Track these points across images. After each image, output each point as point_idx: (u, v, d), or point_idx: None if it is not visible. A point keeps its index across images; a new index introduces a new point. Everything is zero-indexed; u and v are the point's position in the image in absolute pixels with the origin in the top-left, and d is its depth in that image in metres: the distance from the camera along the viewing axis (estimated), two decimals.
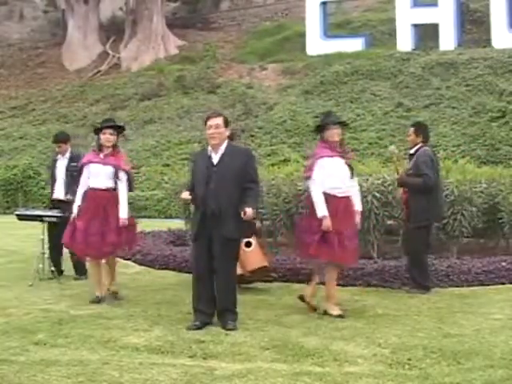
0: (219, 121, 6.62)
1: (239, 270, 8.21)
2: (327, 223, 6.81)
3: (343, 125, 7.35)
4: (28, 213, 9.85)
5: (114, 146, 7.93)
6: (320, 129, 7.23)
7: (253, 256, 8.34)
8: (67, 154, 9.65)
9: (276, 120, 24.03)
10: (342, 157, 7.11)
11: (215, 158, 6.60)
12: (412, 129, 8.37)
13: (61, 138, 9.76)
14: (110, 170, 7.77)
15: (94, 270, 7.92)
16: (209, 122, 6.63)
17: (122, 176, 7.82)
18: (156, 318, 6.88)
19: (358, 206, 7.16)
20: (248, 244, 8.33)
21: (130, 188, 7.95)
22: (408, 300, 7.75)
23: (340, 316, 6.87)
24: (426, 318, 6.80)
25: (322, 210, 6.86)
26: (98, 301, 7.70)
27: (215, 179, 6.49)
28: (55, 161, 9.77)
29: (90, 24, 33.17)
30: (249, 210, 6.36)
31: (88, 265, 8.09)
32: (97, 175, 7.80)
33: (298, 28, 29.71)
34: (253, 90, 26.66)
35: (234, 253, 6.64)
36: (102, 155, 7.86)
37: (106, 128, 7.90)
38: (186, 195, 6.73)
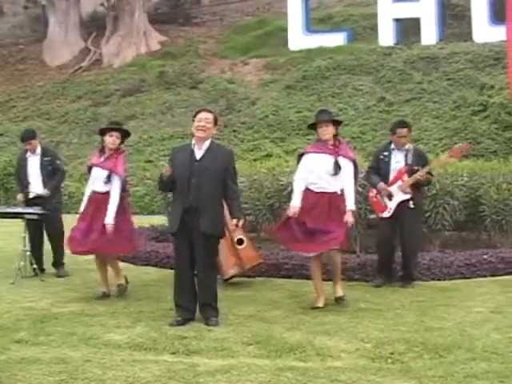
0: (210, 116, 6.67)
1: (235, 270, 8.28)
2: (292, 210, 7.17)
3: (335, 122, 7.37)
4: (9, 210, 9.78)
5: (117, 149, 7.88)
6: (314, 127, 7.42)
7: (248, 253, 8.41)
8: (38, 150, 9.59)
9: (258, 115, 23.99)
10: (333, 154, 7.16)
11: (198, 154, 6.61)
12: (405, 130, 8.41)
13: (30, 135, 9.67)
14: (105, 173, 7.75)
15: (100, 267, 7.93)
16: (199, 115, 6.65)
17: (115, 180, 7.75)
18: (138, 314, 6.86)
19: (349, 204, 7.16)
20: (240, 241, 8.36)
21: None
22: (390, 294, 7.78)
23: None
24: (408, 312, 6.84)
25: (295, 200, 7.27)
26: (103, 296, 7.78)
27: (197, 174, 6.50)
28: (25, 159, 9.66)
29: (70, 20, 32.91)
30: (240, 223, 6.60)
31: (95, 262, 8.06)
32: (96, 178, 7.82)
33: (280, 23, 29.65)
34: (235, 85, 26.60)
35: (214, 248, 6.67)
36: (102, 158, 7.84)
37: (114, 130, 7.85)
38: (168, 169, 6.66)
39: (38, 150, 9.61)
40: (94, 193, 7.83)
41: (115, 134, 7.83)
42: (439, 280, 8.47)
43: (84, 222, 7.77)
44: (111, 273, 8.04)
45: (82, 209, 7.93)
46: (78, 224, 7.81)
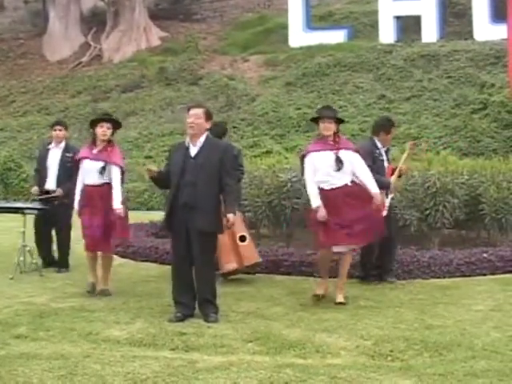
0: (199, 111, 6.60)
1: (235, 265, 8.26)
2: (320, 213, 7.03)
3: (337, 119, 7.35)
4: (8, 205, 9.75)
5: (109, 141, 7.80)
6: (316, 122, 7.37)
7: (248, 251, 8.40)
8: (62, 144, 9.48)
9: (258, 112, 23.98)
10: (334, 149, 7.15)
11: (193, 150, 6.59)
12: (394, 128, 8.43)
13: (62, 123, 9.66)
14: (100, 165, 7.64)
15: (92, 262, 7.83)
16: (189, 112, 6.62)
17: (114, 170, 7.67)
18: (137, 310, 6.85)
19: (372, 189, 7.17)
20: (242, 238, 8.35)
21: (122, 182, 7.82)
22: (390, 292, 7.77)
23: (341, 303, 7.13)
24: (407, 310, 6.83)
25: (314, 201, 7.13)
26: (92, 288, 7.70)
27: (191, 171, 6.48)
28: (47, 150, 9.56)
29: (71, 15, 32.90)
30: (230, 217, 6.49)
31: (86, 257, 7.93)
32: (89, 171, 7.69)
33: (281, 20, 29.64)
34: (235, 81, 26.58)
35: (211, 245, 6.64)
36: (95, 150, 7.73)
37: (104, 121, 7.77)
38: (152, 167, 6.71)
39: (63, 143, 9.51)
40: (88, 186, 7.69)
41: (106, 124, 7.73)
42: (439, 278, 8.45)
43: (86, 217, 7.67)
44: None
45: (77, 204, 7.81)
46: (85, 221, 7.68)
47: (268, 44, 29.30)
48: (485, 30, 24.99)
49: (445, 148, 17.46)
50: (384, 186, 8.03)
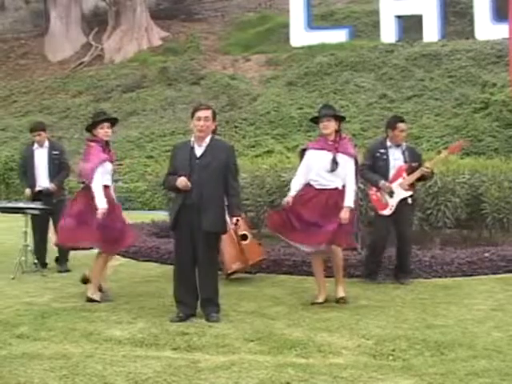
0: (208, 113, 6.58)
1: (238, 265, 8.27)
2: (286, 199, 7.21)
3: (337, 117, 7.31)
4: (10, 205, 9.75)
5: (107, 142, 7.74)
6: (316, 122, 7.36)
7: (252, 249, 8.42)
8: (46, 144, 9.55)
9: (260, 111, 23.99)
10: (332, 150, 7.12)
11: (199, 151, 6.58)
12: (404, 124, 8.37)
13: (40, 127, 9.67)
14: (111, 167, 7.71)
15: (102, 267, 7.63)
16: (198, 114, 6.55)
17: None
18: (139, 310, 6.85)
19: (347, 201, 7.03)
20: (244, 237, 8.36)
21: None
22: (391, 291, 7.77)
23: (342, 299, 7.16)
24: (409, 309, 6.82)
25: (290, 193, 7.29)
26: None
27: (198, 171, 6.47)
28: (32, 151, 9.61)
29: (72, 15, 32.94)
30: (238, 220, 6.59)
31: (103, 260, 7.64)
32: (106, 173, 7.57)
33: (282, 19, 29.67)
34: (236, 81, 26.60)
35: (216, 245, 6.67)
36: (106, 152, 7.66)
37: (104, 121, 7.65)
38: (185, 180, 6.47)
39: (46, 143, 9.57)
40: (106, 187, 7.53)
41: (106, 124, 7.62)
42: (440, 277, 8.45)
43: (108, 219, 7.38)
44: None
45: (103, 204, 7.34)
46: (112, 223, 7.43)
47: (269, 44, 29.33)
48: (486, 29, 24.99)
49: (446, 147, 17.41)
50: (372, 184, 8.16)
